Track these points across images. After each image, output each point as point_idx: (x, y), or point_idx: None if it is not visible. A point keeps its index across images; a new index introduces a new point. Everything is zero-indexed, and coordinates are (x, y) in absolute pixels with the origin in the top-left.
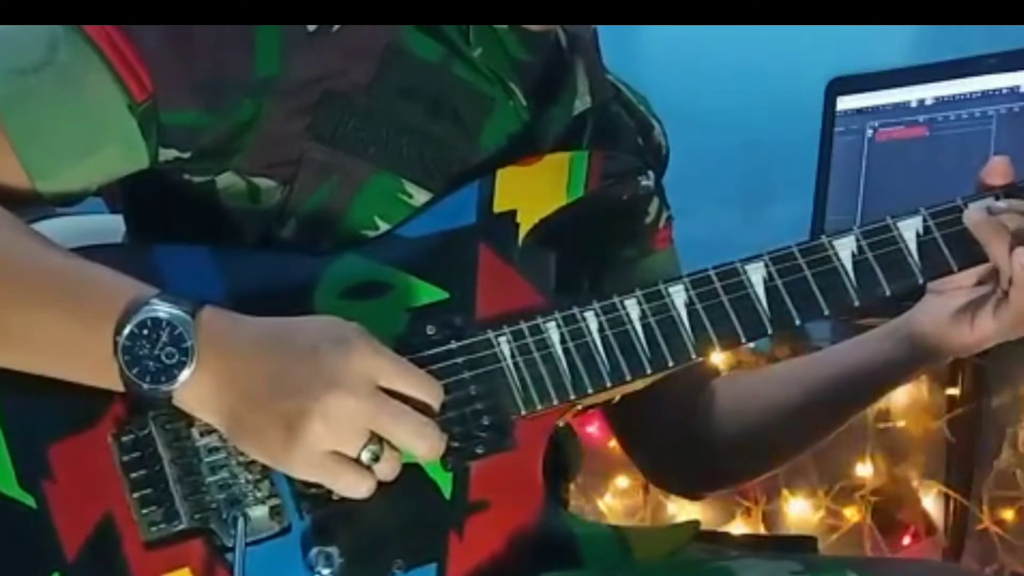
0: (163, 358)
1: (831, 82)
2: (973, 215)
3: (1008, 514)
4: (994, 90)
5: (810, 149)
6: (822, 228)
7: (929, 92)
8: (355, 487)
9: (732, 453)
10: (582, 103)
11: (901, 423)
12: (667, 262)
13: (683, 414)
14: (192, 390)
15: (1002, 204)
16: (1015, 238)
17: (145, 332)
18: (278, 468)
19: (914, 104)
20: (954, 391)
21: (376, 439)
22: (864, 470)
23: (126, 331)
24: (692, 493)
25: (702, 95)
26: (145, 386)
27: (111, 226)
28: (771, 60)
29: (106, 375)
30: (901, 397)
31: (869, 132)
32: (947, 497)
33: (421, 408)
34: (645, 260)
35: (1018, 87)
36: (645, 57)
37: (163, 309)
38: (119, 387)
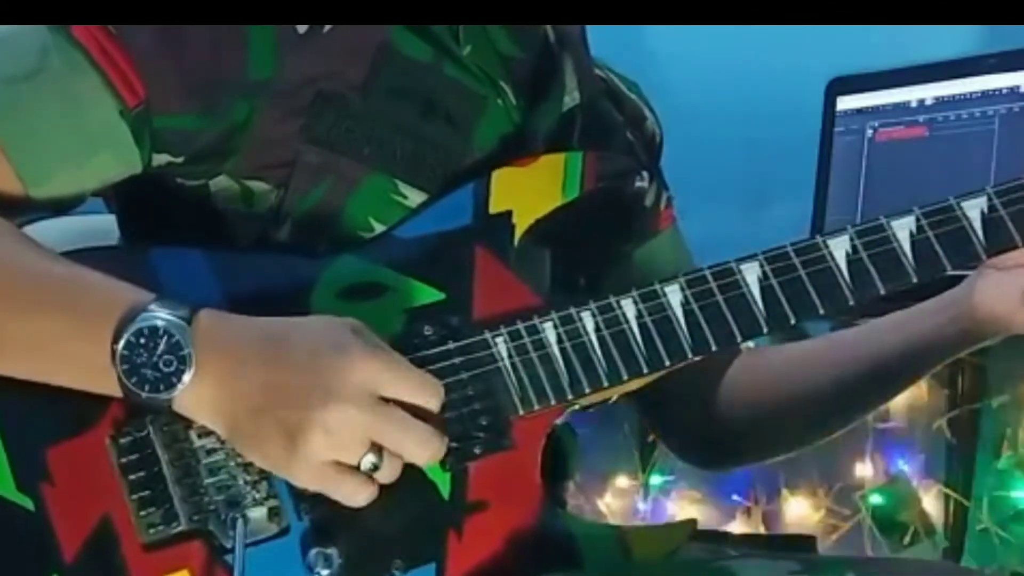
0: (161, 366)
1: (831, 82)
2: None
3: (1008, 514)
4: (994, 90)
5: (810, 149)
6: (822, 228)
7: (929, 92)
8: (355, 495)
9: (765, 429)
10: (571, 99)
11: (901, 423)
12: (672, 241)
13: (708, 388)
14: (191, 396)
15: None
16: None
17: (142, 341)
18: (278, 475)
19: (914, 104)
20: (954, 391)
21: (376, 448)
22: (864, 470)
23: (123, 340)
24: (721, 466)
25: (702, 95)
26: (144, 395)
27: (110, 226)
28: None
29: (105, 382)
30: (901, 397)
31: (869, 132)
32: (947, 497)
33: (421, 412)
34: (647, 244)
35: (1018, 87)
36: (645, 57)
37: (160, 316)
38: (117, 394)
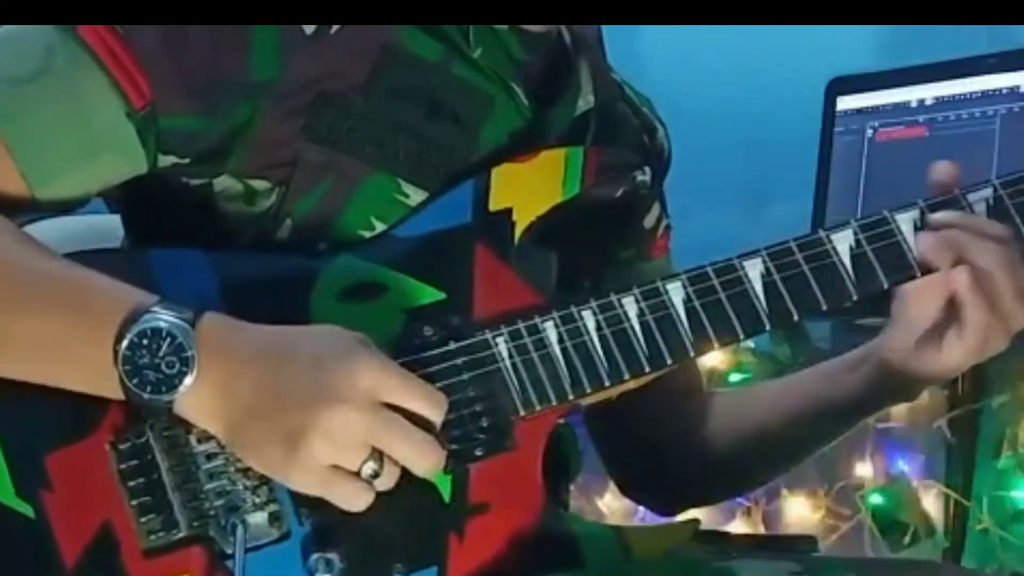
0: (163, 368)
1: (831, 82)
2: (921, 242)
3: (1008, 514)
4: (994, 90)
5: (810, 149)
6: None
7: (929, 92)
8: (354, 500)
9: (707, 472)
10: (585, 102)
11: (901, 423)
12: (662, 272)
13: (660, 427)
14: (193, 399)
15: (939, 218)
16: (955, 254)
17: (145, 342)
18: (279, 480)
19: (914, 104)
20: (954, 391)
21: (377, 454)
22: (864, 470)
23: (126, 341)
24: (663, 509)
25: (702, 95)
26: (146, 396)
27: (113, 226)
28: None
29: (106, 384)
30: None
31: (869, 132)
32: (947, 497)
33: (423, 423)
34: (642, 265)
35: (1018, 87)
36: (645, 57)
37: (163, 318)
38: (119, 396)
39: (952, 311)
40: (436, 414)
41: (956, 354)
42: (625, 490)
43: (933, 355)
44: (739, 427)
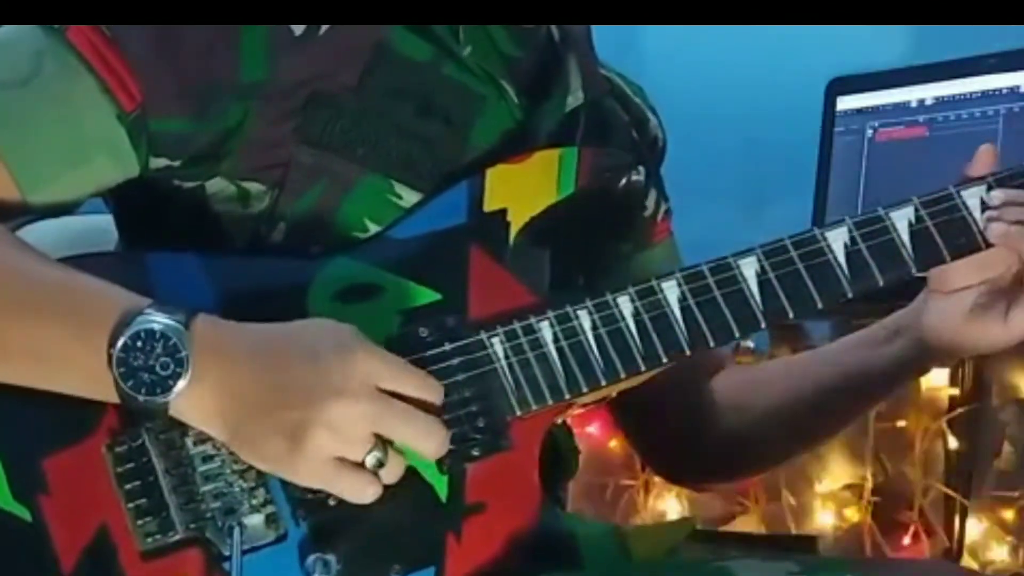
0: (158, 369)
1: (831, 82)
2: (994, 228)
3: (1008, 514)
4: (994, 90)
5: (810, 149)
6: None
7: (929, 92)
8: (361, 492)
9: (732, 448)
10: (575, 99)
11: (901, 423)
12: (667, 255)
13: (687, 405)
14: (189, 400)
15: (997, 196)
16: None
17: (139, 344)
18: (282, 476)
19: (914, 104)
20: (954, 391)
21: (380, 444)
22: (864, 470)
23: (120, 343)
24: (694, 484)
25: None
26: (141, 398)
27: (107, 226)
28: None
29: (101, 387)
30: (901, 397)
31: (869, 132)
32: (947, 497)
33: (423, 407)
34: (643, 254)
35: (1018, 87)
36: (645, 57)
37: (157, 320)
38: (114, 399)
39: (1011, 286)
40: (435, 396)
41: (1004, 329)
42: (662, 472)
43: (980, 327)
44: (770, 400)
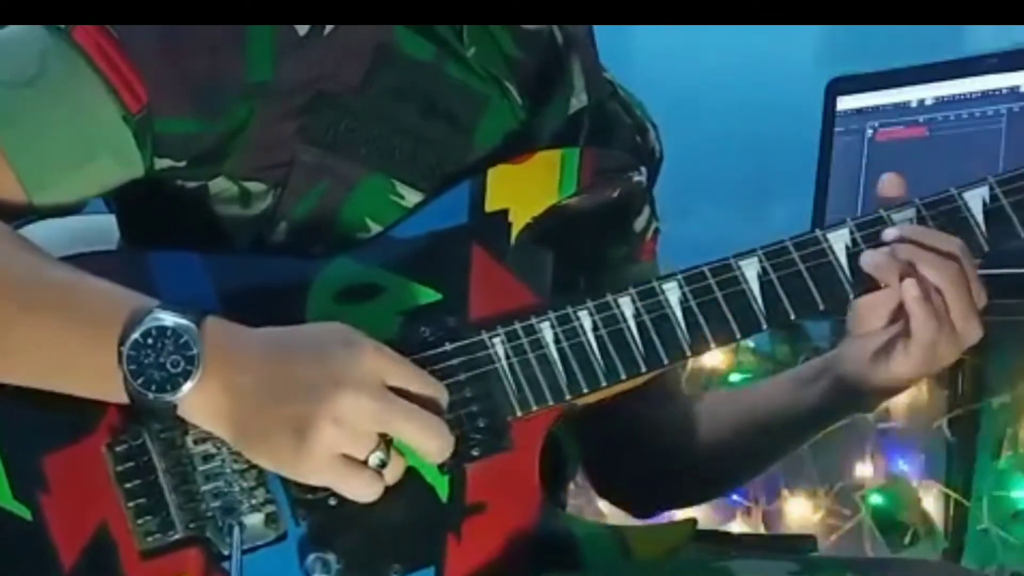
0: (168, 367)
1: (831, 82)
2: (869, 258)
3: (1008, 514)
4: (995, 90)
5: (810, 149)
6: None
7: (929, 92)
8: (366, 490)
9: (682, 476)
10: (578, 101)
11: (901, 423)
12: (648, 277)
13: (636, 431)
14: (198, 400)
15: (892, 232)
16: (904, 268)
17: (150, 341)
18: (287, 474)
19: (914, 104)
20: (954, 391)
21: (383, 444)
22: (864, 470)
23: (131, 340)
24: (638, 511)
25: (702, 94)
26: (150, 395)
27: (110, 226)
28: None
29: (109, 387)
30: (901, 397)
31: (869, 132)
32: (947, 497)
33: (428, 406)
34: (630, 268)
35: (1018, 87)
36: (645, 56)
37: (168, 318)
38: (122, 399)
39: (903, 324)
40: (440, 397)
41: (905, 367)
42: (601, 492)
43: (884, 367)
44: (713, 434)
